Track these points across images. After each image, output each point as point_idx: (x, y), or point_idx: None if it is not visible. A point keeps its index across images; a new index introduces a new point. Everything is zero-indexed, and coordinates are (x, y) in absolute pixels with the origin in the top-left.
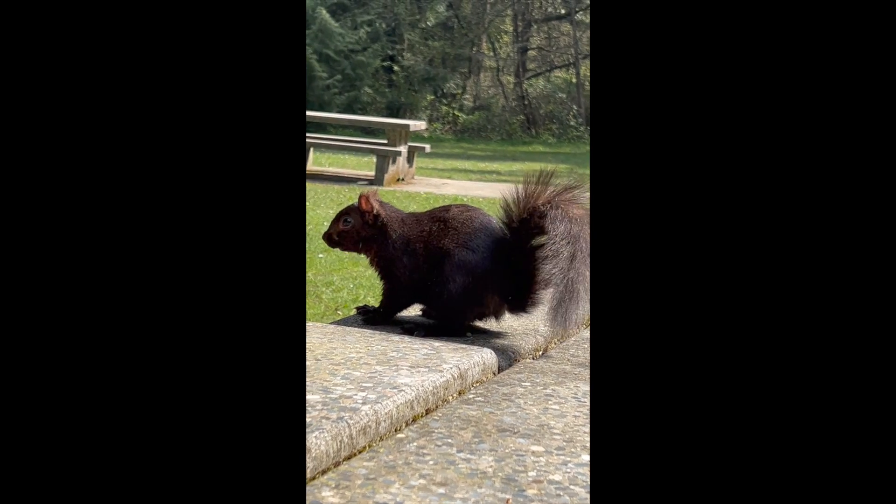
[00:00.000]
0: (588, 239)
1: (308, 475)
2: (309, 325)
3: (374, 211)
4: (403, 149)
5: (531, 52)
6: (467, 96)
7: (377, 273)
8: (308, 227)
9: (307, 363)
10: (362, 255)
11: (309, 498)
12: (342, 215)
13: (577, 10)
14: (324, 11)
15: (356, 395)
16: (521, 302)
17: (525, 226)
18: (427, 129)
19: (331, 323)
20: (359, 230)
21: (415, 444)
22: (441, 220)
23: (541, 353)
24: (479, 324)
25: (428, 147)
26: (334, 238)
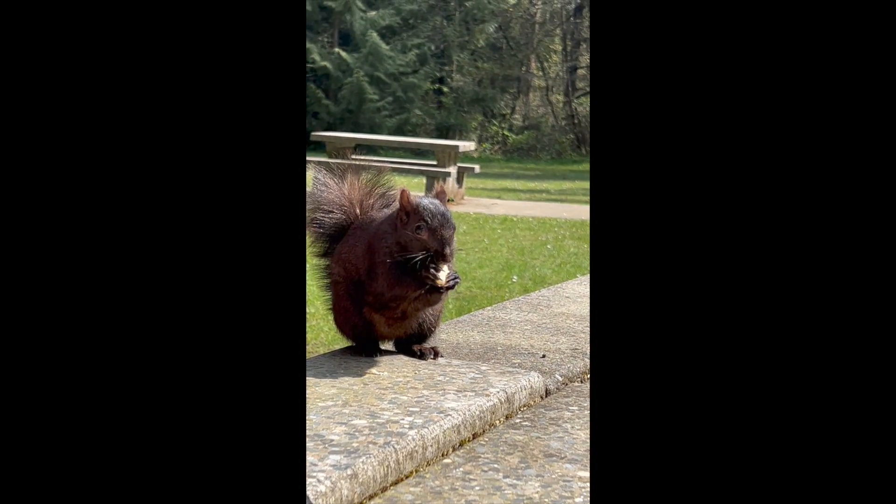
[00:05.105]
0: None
1: (356, 500)
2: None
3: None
4: (453, 169)
5: (580, 71)
6: (516, 116)
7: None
8: None
9: (355, 387)
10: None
11: None
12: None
13: None
14: (374, 35)
15: (403, 419)
16: None
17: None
18: (476, 149)
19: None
20: None
21: (461, 469)
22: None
23: (589, 375)
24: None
25: (477, 167)
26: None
